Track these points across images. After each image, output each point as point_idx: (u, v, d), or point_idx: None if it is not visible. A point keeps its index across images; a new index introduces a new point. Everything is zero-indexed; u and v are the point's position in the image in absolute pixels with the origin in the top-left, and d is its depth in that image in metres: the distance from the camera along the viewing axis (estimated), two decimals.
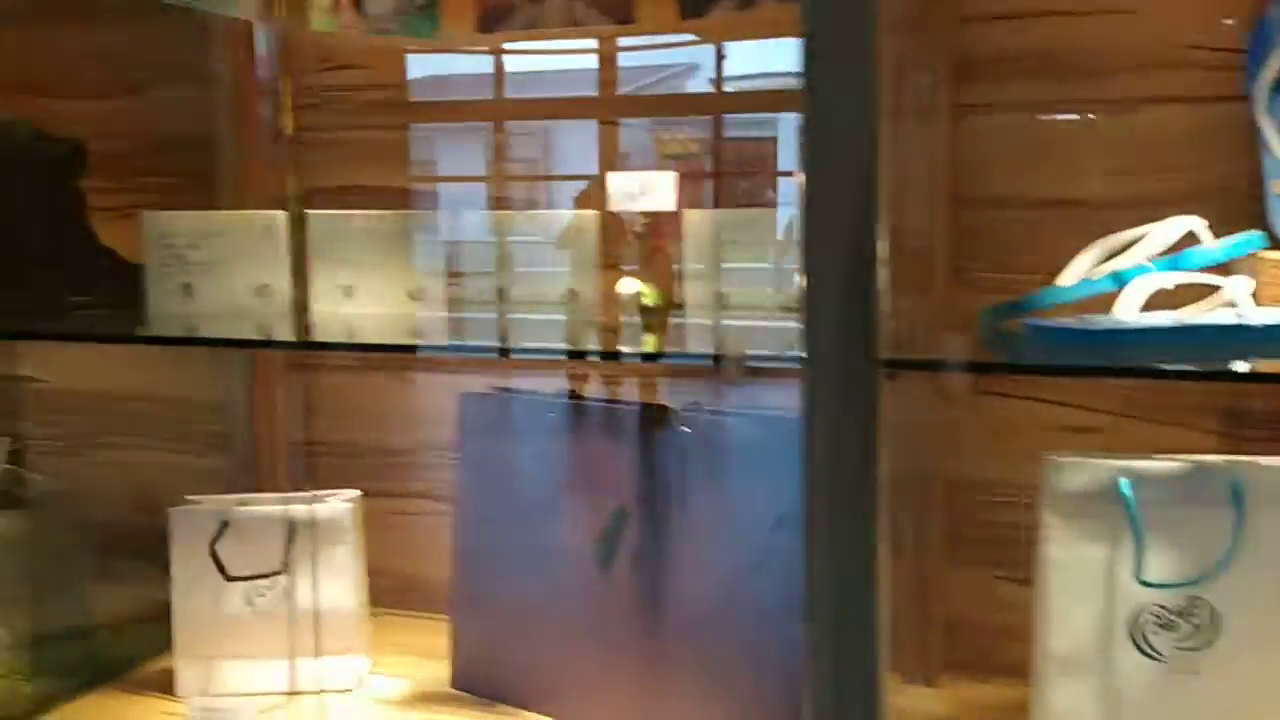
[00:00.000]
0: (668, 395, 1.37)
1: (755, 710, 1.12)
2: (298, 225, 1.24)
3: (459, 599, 1.36)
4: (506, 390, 1.35)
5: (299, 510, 1.35)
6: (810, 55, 0.77)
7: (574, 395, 1.32)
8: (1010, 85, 1.24)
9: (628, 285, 1.18)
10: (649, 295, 1.18)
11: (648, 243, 1.20)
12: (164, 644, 1.39)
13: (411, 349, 1.33)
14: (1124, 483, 1.03)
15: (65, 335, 1.36)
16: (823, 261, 0.80)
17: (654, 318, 1.19)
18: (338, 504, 1.37)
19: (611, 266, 1.23)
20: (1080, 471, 1.05)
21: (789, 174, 1.35)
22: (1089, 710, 1.05)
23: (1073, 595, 1.06)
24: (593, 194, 1.40)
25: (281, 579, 1.34)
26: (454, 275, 1.26)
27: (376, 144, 1.51)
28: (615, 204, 1.18)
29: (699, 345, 1.16)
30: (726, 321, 1.13)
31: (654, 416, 1.21)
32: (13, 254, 1.32)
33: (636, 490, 1.21)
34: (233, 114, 1.55)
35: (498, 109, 1.47)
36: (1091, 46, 1.22)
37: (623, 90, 1.36)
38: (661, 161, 1.34)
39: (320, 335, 1.27)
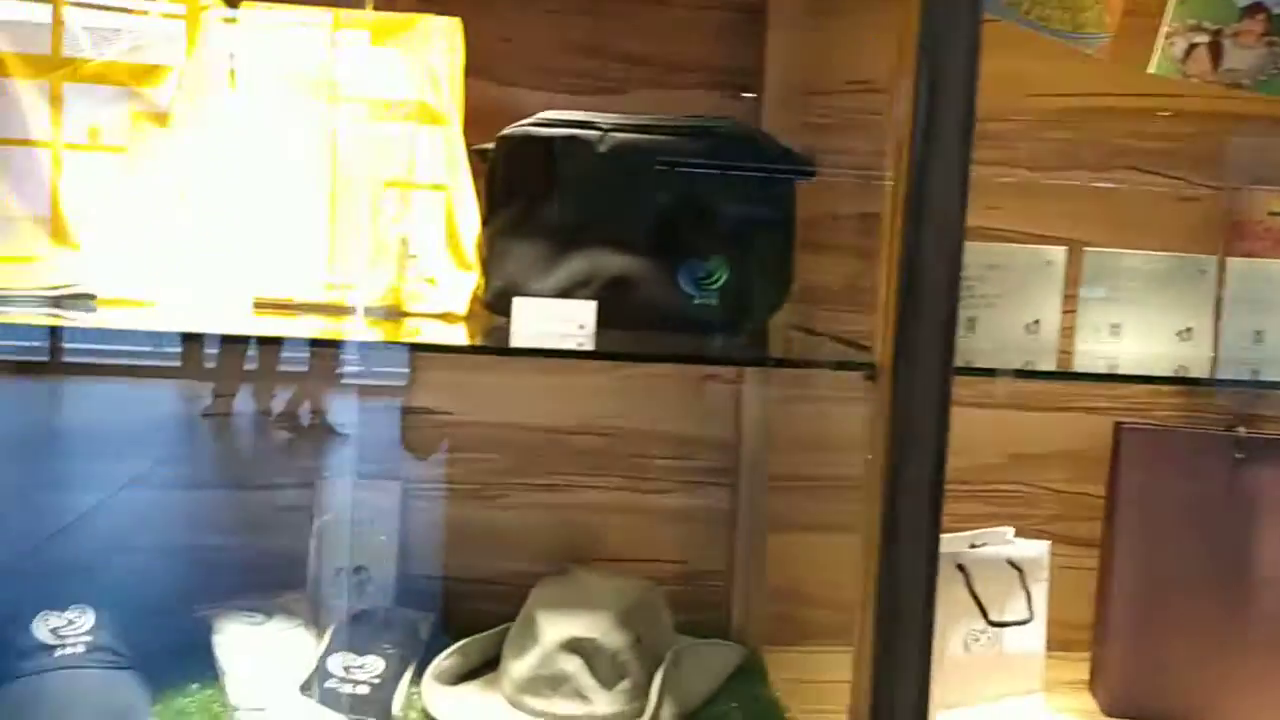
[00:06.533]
0: None
1: None
2: None
3: (1123, 628, 1.37)
4: (1165, 427, 1.40)
5: (1016, 552, 1.31)
6: None
7: (1230, 429, 1.40)
8: None
9: None
10: None
11: None
12: None
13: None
14: None
15: None
16: None
17: None
18: (1038, 545, 1.34)
19: None
20: None
21: None
22: None
23: None
24: None
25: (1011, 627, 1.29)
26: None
27: None
28: None
29: None
30: None
31: None
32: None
33: None
34: None
35: None
36: None
37: None
38: None
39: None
